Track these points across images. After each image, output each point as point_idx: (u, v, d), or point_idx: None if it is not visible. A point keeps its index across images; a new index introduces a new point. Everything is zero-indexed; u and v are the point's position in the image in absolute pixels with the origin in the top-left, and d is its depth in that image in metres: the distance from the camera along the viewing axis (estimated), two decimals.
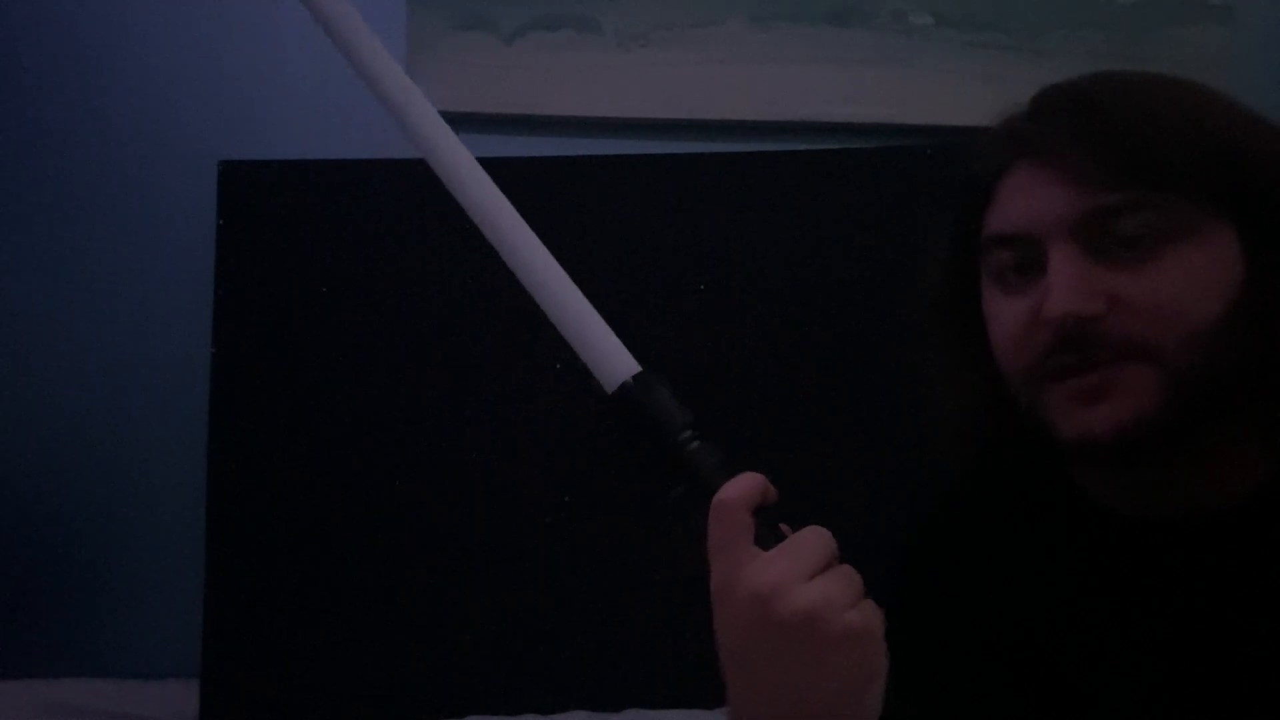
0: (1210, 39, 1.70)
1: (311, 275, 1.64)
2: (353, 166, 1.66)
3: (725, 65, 1.71)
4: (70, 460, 1.72)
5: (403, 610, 1.60)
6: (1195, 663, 0.68)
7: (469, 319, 1.62)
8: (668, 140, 1.71)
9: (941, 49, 1.71)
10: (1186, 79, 0.71)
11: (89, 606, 1.72)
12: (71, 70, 1.74)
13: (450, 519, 1.60)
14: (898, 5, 1.71)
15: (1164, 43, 1.70)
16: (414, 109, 0.63)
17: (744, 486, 0.56)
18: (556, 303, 0.60)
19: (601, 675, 1.57)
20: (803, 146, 1.67)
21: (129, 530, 1.72)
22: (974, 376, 0.75)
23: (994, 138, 0.72)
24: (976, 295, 0.74)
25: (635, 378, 0.59)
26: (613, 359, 0.59)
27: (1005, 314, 0.70)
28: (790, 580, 0.53)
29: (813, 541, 0.55)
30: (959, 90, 1.69)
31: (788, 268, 1.62)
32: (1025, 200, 0.68)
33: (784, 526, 0.57)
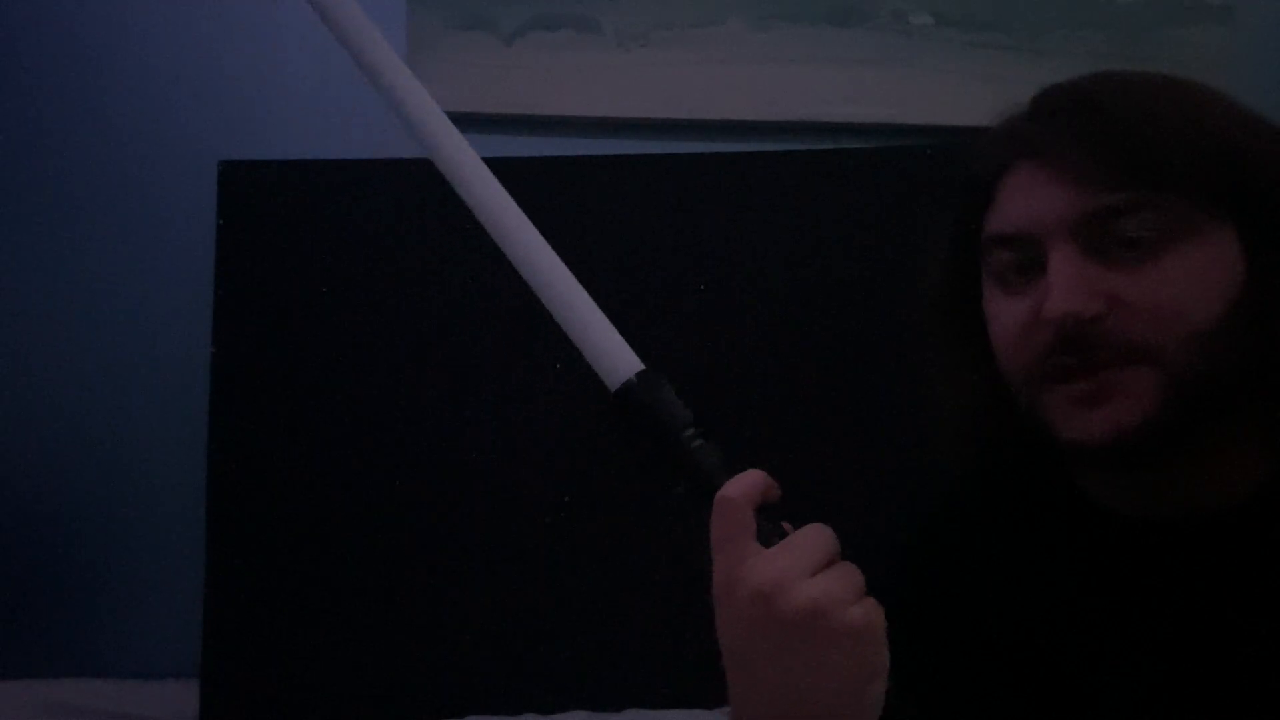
0: (1210, 39, 1.70)
1: (311, 275, 1.64)
2: (353, 166, 1.66)
3: (725, 65, 1.71)
4: (70, 460, 1.72)
5: (403, 610, 1.60)
6: (1195, 663, 0.68)
7: (469, 319, 1.62)
8: (668, 140, 1.71)
9: (941, 49, 1.71)
10: (1186, 79, 0.71)
11: (89, 606, 1.72)
12: (71, 70, 1.74)
13: (450, 519, 1.60)
14: (898, 5, 1.71)
15: (1164, 43, 1.70)
16: (419, 108, 0.63)
17: (746, 484, 0.56)
18: (560, 300, 0.61)
19: (601, 675, 1.57)
20: (803, 146, 1.67)
21: (129, 530, 1.72)
22: (974, 376, 0.75)
23: (994, 138, 0.72)
24: (977, 295, 0.74)
25: (638, 376, 0.59)
26: (616, 357, 0.60)
27: (1005, 314, 0.70)
28: (792, 577, 0.53)
29: (815, 539, 0.55)
30: (959, 90, 1.69)
31: (788, 268, 1.62)
32: (1025, 200, 0.68)
33: (786, 525, 0.57)
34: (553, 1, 1.70)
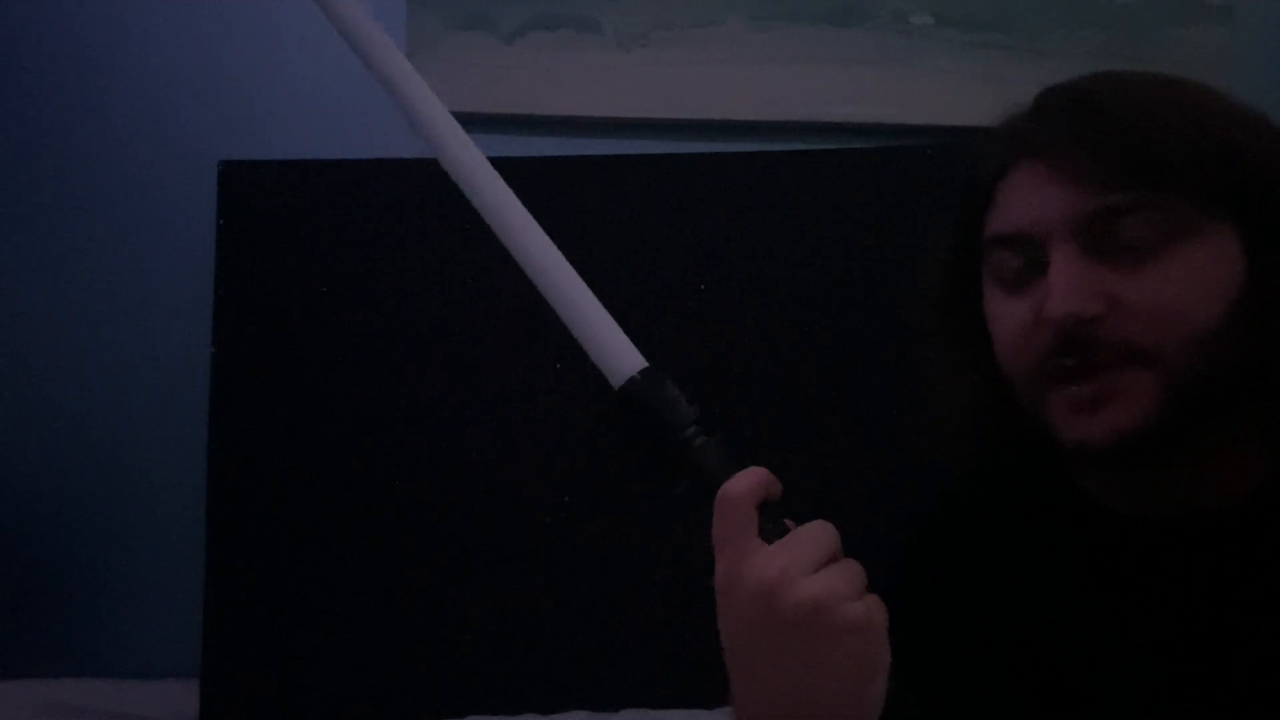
0: (1210, 39, 1.70)
1: (311, 275, 1.64)
2: (353, 166, 1.66)
3: (725, 65, 1.71)
4: (70, 460, 1.72)
5: (403, 610, 1.60)
6: (1195, 663, 0.68)
7: (469, 319, 1.62)
8: (668, 140, 1.71)
9: (941, 49, 1.71)
10: (1187, 79, 0.71)
11: (89, 606, 1.72)
12: (71, 70, 1.74)
13: (450, 519, 1.60)
14: (898, 5, 1.71)
15: (1164, 43, 1.70)
16: (424, 107, 0.63)
17: (749, 481, 0.56)
18: (564, 298, 0.61)
19: (601, 675, 1.57)
20: (803, 146, 1.67)
21: (129, 530, 1.72)
22: (974, 376, 0.75)
23: (995, 138, 0.72)
24: (977, 295, 0.74)
25: (642, 373, 0.59)
26: (620, 355, 0.60)
27: (1006, 314, 0.70)
28: (794, 573, 0.54)
29: (816, 535, 0.56)
30: (959, 90, 1.69)
31: (788, 268, 1.62)
32: (1026, 200, 0.68)
33: (788, 522, 0.57)
34: (553, 1, 1.70)
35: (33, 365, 1.73)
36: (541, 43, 1.70)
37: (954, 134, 1.64)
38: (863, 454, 1.55)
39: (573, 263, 0.62)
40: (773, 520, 0.56)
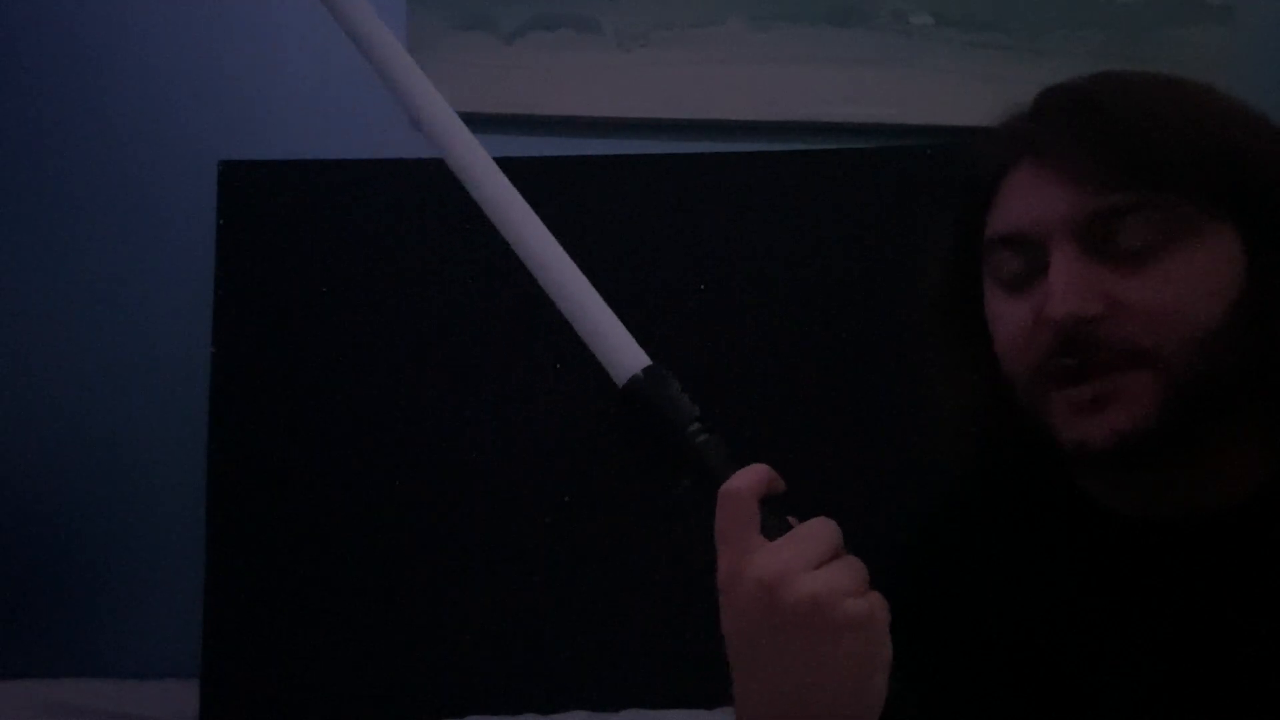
0: (1210, 39, 1.70)
1: (311, 275, 1.64)
2: (353, 166, 1.66)
3: (725, 65, 1.71)
4: (70, 460, 1.72)
5: (403, 610, 1.60)
6: (1195, 663, 0.68)
7: (469, 319, 1.62)
8: (668, 140, 1.71)
9: (941, 49, 1.71)
10: (1187, 79, 0.71)
11: (89, 606, 1.72)
12: (71, 70, 1.74)
13: (450, 519, 1.60)
14: (898, 5, 1.71)
15: (1164, 43, 1.70)
16: (428, 105, 0.63)
17: (751, 477, 0.57)
18: (568, 296, 0.61)
19: (601, 675, 1.57)
20: (803, 146, 1.67)
21: (129, 530, 1.72)
22: (974, 376, 0.75)
23: (996, 138, 0.72)
24: (977, 295, 0.74)
25: (645, 371, 0.60)
26: (623, 352, 0.60)
27: (1007, 315, 0.70)
28: (796, 569, 0.54)
29: (818, 532, 0.56)
30: (959, 90, 1.69)
31: (788, 268, 1.62)
32: (1027, 201, 0.68)
33: (791, 519, 0.57)
34: (553, 1, 1.70)
35: (33, 365, 1.73)
36: (541, 43, 1.70)
37: (954, 134, 1.64)
38: (863, 454, 1.55)
39: None
40: (775, 517, 0.57)
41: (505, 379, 1.61)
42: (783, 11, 1.71)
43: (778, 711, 0.56)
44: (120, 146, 1.73)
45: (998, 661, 0.75)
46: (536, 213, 0.63)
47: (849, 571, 0.55)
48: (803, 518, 0.58)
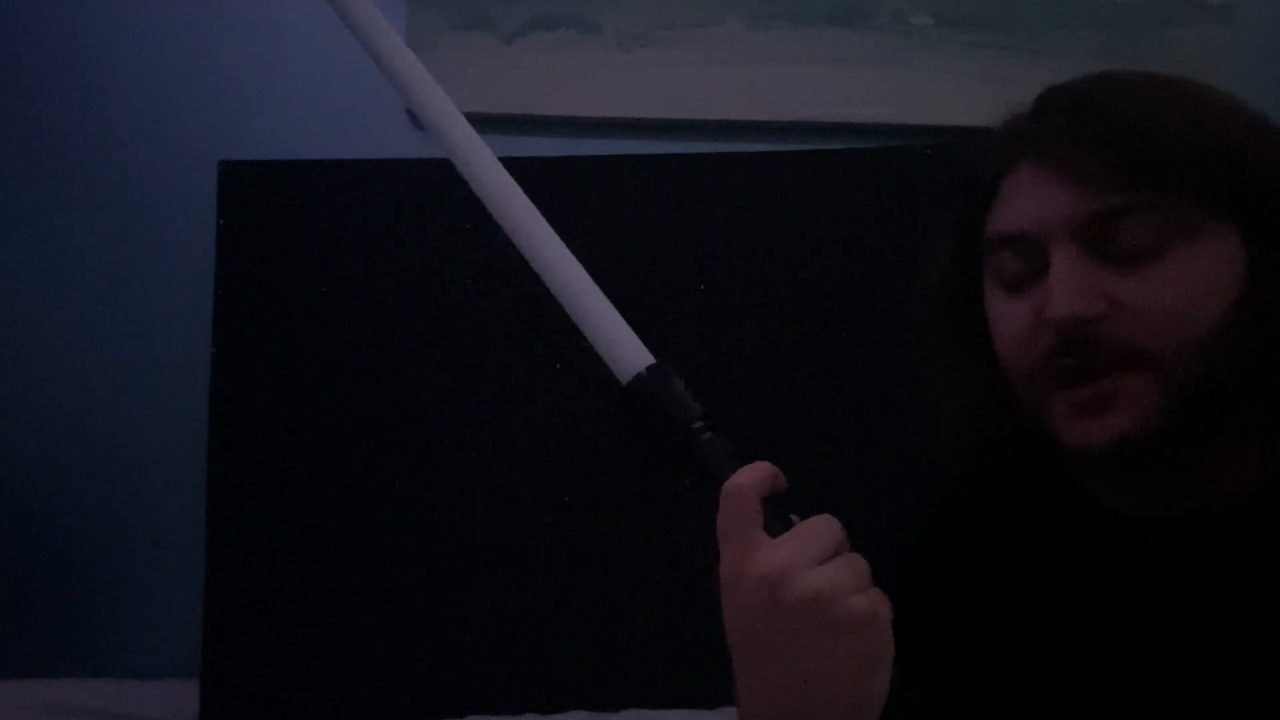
0: (1210, 39, 1.70)
1: (311, 275, 1.64)
2: (353, 166, 1.66)
3: (725, 65, 1.71)
4: (70, 460, 1.72)
5: (403, 610, 1.60)
6: (1195, 663, 0.68)
7: (469, 319, 1.62)
8: (668, 140, 1.71)
9: (941, 49, 1.71)
10: (1188, 79, 0.71)
11: (89, 606, 1.72)
12: (71, 70, 1.74)
13: (450, 519, 1.60)
14: (898, 5, 1.71)
15: (1164, 43, 1.70)
16: (433, 104, 0.63)
17: (754, 474, 0.57)
18: (572, 294, 0.61)
19: (601, 675, 1.57)
20: (803, 146, 1.67)
21: (129, 530, 1.72)
22: (974, 376, 0.75)
23: (997, 138, 0.72)
24: (978, 295, 0.74)
25: (649, 369, 0.60)
26: (627, 351, 0.61)
27: (1008, 315, 0.70)
28: (798, 565, 0.54)
29: (821, 529, 0.56)
30: (959, 90, 1.69)
31: (788, 268, 1.62)
32: (1028, 201, 0.68)
33: (794, 517, 0.57)
34: (553, 1, 1.70)
35: (33, 365, 1.73)
36: (541, 43, 1.70)
37: (954, 134, 1.64)
38: (863, 454, 1.55)
39: None
40: (778, 514, 0.57)
41: (505, 379, 1.61)
42: (782, 11, 1.71)
43: (780, 708, 0.56)
44: (120, 146, 1.73)
45: (998, 662, 0.75)
46: None
47: (851, 568, 0.55)
48: (804, 518, 0.58)
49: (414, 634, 1.59)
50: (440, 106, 0.64)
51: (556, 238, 0.62)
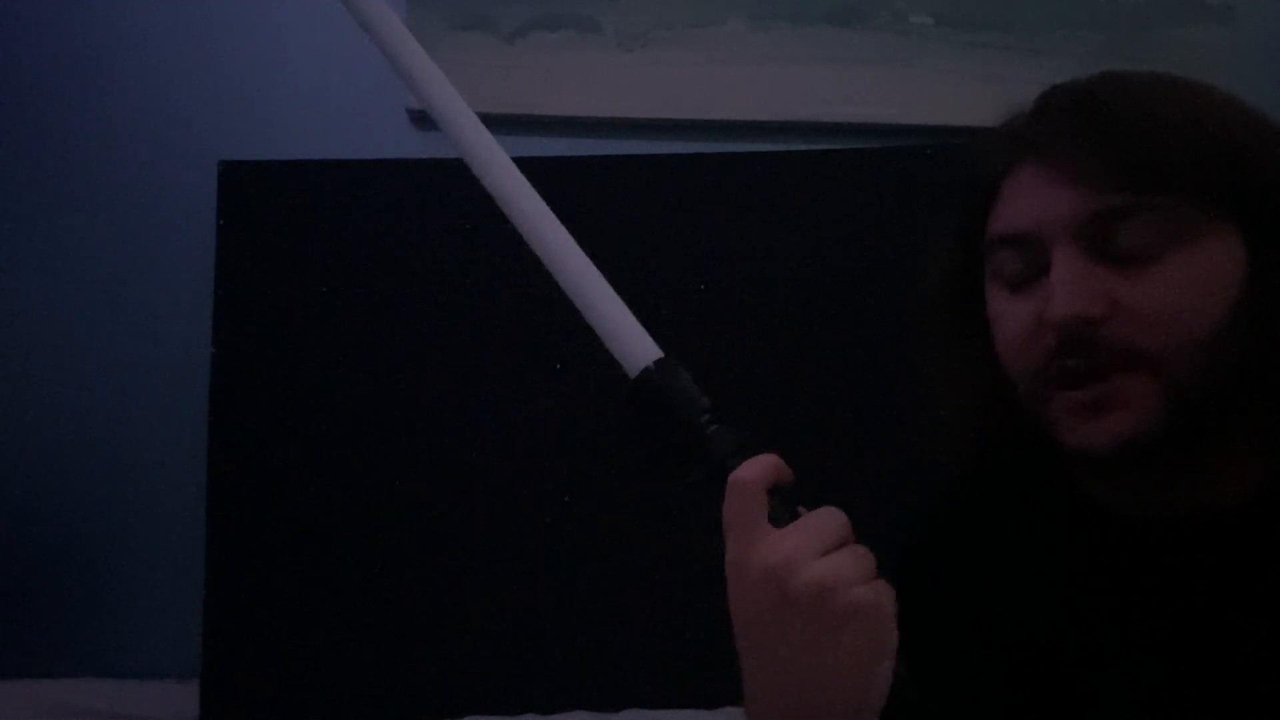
0: (1210, 39, 1.70)
1: (311, 275, 1.64)
2: (353, 166, 1.66)
3: (725, 65, 1.71)
4: (70, 460, 1.72)
5: (403, 610, 1.60)
6: (1195, 663, 0.68)
7: (469, 319, 1.62)
8: (668, 140, 1.71)
9: (941, 49, 1.71)
10: (1188, 79, 0.71)
11: (89, 606, 1.72)
12: (71, 70, 1.74)
13: (450, 519, 1.60)
14: (898, 5, 1.71)
15: (1164, 43, 1.70)
16: (441, 97, 0.64)
17: (760, 466, 0.58)
18: (581, 289, 0.62)
19: (601, 675, 1.57)
20: (803, 146, 1.67)
21: (129, 530, 1.72)
22: (975, 376, 0.75)
23: (997, 138, 0.72)
24: (979, 295, 0.74)
25: (657, 363, 0.61)
26: (636, 344, 0.61)
27: (1009, 315, 0.70)
28: (803, 556, 0.55)
29: (826, 520, 0.57)
30: (959, 90, 1.69)
31: (788, 268, 1.62)
32: (1029, 201, 0.68)
33: (800, 509, 0.58)
34: (553, 1, 1.70)
35: (33, 365, 1.73)
36: (542, 43, 1.70)
37: (954, 134, 1.65)
38: (863, 454, 1.55)
39: None
40: (783, 506, 0.57)
41: (505, 379, 1.61)
42: (783, 11, 1.71)
43: (785, 698, 0.57)
44: (120, 146, 1.74)
45: (998, 661, 0.75)
46: None
47: (856, 559, 0.56)
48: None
49: (414, 634, 1.59)
50: (450, 102, 0.64)
51: (565, 232, 0.62)
